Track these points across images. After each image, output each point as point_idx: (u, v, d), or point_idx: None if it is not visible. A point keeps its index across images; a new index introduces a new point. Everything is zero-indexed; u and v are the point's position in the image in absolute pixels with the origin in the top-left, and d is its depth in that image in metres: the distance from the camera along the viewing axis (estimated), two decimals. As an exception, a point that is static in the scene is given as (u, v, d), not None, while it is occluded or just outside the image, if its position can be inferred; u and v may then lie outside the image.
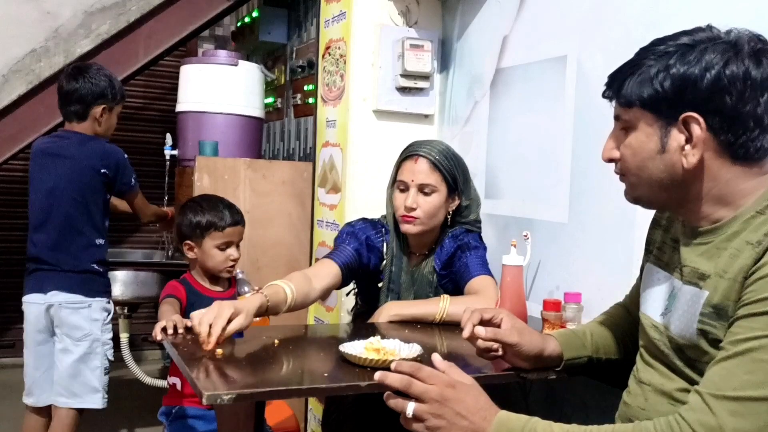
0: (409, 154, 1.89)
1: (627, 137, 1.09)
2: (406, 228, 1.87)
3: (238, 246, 2.05)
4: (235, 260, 2.03)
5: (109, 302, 2.40)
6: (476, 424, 1.05)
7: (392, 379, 1.07)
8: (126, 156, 2.43)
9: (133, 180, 2.44)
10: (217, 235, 2.00)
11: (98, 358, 2.35)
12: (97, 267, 2.35)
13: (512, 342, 1.30)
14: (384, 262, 1.94)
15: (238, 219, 2.05)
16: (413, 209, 1.84)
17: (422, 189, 1.85)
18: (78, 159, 2.32)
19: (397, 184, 1.89)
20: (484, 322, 1.32)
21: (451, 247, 1.91)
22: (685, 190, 1.06)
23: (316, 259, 2.61)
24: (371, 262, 1.94)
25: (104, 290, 2.39)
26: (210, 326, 1.38)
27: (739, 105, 0.99)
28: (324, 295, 1.86)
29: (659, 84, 1.02)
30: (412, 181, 1.85)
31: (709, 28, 1.05)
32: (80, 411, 2.35)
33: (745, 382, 0.91)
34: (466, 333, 1.30)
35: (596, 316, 1.47)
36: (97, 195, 2.35)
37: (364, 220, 2.00)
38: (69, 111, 2.39)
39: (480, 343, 1.31)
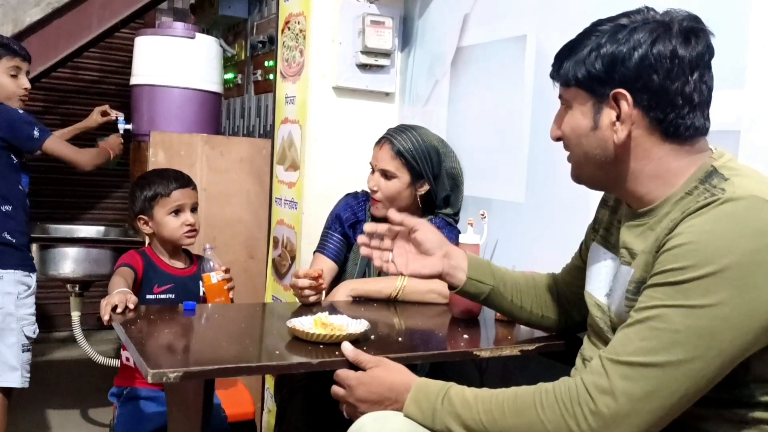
0: (380, 137, 2.02)
1: (566, 115, 1.12)
2: (373, 212, 2.01)
3: (194, 211, 1.97)
4: (191, 225, 1.94)
5: (28, 276, 2.29)
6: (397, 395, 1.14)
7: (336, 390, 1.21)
8: (21, 111, 2.29)
9: (36, 132, 2.29)
10: (165, 201, 1.92)
11: (13, 334, 2.24)
12: (9, 237, 2.24)
13: (412, 224, 1.41)
14: None
15: (184, 182, 1.96)
16: (375, 191, 1.97)
17: (384, 174, 1.97)
18: None
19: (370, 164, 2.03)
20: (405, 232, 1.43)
21: None
22: (620, 167, 1.08)
23: (275, 238, 2.58)
24: (357, 235, 2.02)
25: (20, 263, 2.27)
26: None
27: (666, 83, 1.02)
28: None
29: (591, 64, 1.06)
30: (376, 165, 1.99)
31: (647, 9, 1.08)
32: (7, 391, 2.26)
33: (638, 348, 0.95)
34: (390, 216, 1.42)
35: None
36: None
37: (347, 195, 2.12)
38: None
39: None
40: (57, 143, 2.39)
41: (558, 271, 1.49)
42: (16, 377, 2.26)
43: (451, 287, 1.43)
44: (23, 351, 2.27)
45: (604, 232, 1.25)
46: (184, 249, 2.04)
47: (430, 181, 2.00)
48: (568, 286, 1.43)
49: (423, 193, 2.01)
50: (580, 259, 1.39)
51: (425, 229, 1.41)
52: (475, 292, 1.42)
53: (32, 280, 2.31)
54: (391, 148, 1.96)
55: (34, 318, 2.31)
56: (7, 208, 2.25)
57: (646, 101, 1.03)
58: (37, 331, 2.34)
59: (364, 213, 2.06)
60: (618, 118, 1.05)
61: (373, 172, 2.00)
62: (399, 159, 1.95)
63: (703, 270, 0.91)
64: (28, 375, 2.30)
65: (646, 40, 1.02)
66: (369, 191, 2.02)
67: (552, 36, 1.83)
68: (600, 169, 1.11)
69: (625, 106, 1.04)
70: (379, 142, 2.00)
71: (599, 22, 1.09)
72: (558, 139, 1.16)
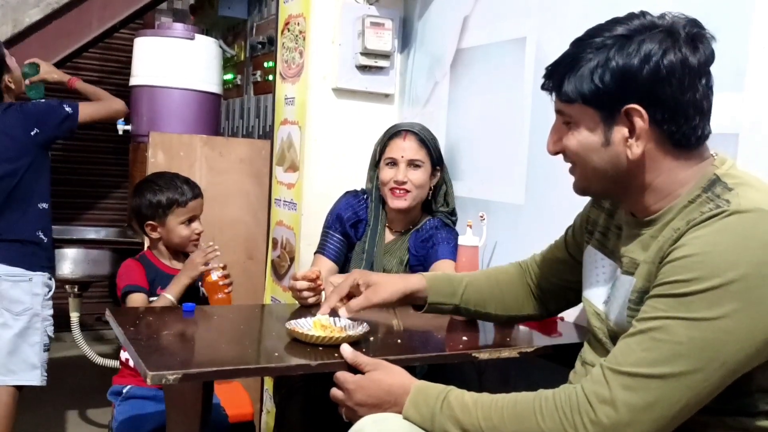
0: (396, 131, 2.00)
1: (570, 132, 1.09)
2: (397, 204, 1.96)
3: (199, 219, 2.02)
4: (200, 234, 2.00)
5: (51, 278, 2.32)
6: (396, 398, 1.13)
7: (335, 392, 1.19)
8: (41, 99, 2.28)
9: (67, 108, 2.27)
10: (180, 211, 1.96)
11: (38, 333, 2.27)
12: (42, 236, 2.26)
13: (372, 305, 1.40)
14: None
15: (197, 192, 2.02)
16: (404, 183, 1.94)
17: (411, 163, 1.95)
18: (2, 132, 2.18)
19: (384, 160, 1.99)
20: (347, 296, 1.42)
21: (426, 234, 2.00)
22: (630, 180, 1.07)
23: (274, 239, 2.57)
24: (359, 234, 2.06)
25: (47, 265, 2.30)
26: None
27: (679, 94, 0.99)
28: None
29: (599, 79, 1.01)
30: (402, 156, 1.96)
31: (643, 14, 1.05)
32: (19, 388, 2.28)
33: (640, 358, 0.94)
34: (323, 311, 1.41)
35: (489, 268, 1.55)
36: (37, 157, 2.24)
37: (347, 193, 2.11)
38: None
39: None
40: (89, 107, 2.37)
41: None
42: (36, 375, 2.29)
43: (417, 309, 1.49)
44: (44, 350, 2.31)
45: (600, 237, 1.23)
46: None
47: (442, 170, 2.04)
48: (546, 277, 1.42)
49: (434, 184, 2.03)
50: (565, 251, 1.38)
51: (376, 296, 1.41)
52: (437, 311, 1.47)
53: (53, 282, 2.35)
54: (416, 138, 1.97)
55: (52, 319, 2.34)
56: (44, 205, 2.28)
57: (659, 115, 1.00)
58: (53, 331, 2.36)
59: (365, 212, 2.06)
60: (631, 133, 1.02)
61: (392, 165, 1.97)
62: (424, 148, 1.97)
63: (708, 283, 0.90)
64: (46, 374, 2.32)
65: (656, 51, 0.98)
66: (384, 188, 1.98)
67: (552, 38, 1.83)
68: (610, 182, 1.08)
69: (640, 122, 1.01)
70: (399, 135, 1.98)
71: (592, 33, 1.05)
72: (557, 153, 1.13)
